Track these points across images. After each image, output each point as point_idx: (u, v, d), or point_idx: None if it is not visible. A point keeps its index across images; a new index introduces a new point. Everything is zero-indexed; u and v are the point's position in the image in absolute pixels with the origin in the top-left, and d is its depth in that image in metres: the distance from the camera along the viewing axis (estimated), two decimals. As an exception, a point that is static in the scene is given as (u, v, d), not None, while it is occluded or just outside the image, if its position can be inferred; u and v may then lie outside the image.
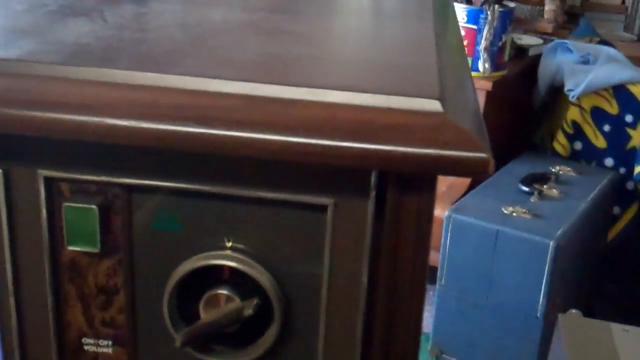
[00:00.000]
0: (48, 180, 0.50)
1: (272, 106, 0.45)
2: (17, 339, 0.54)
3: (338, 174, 0.48)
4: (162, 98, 0.46)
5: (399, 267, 0.49)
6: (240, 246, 0.51)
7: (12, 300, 0.53)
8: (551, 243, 1.64)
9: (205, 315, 0.51)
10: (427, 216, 0.47)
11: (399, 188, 0.47)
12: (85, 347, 0.54)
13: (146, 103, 0.46)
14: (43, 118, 0.46)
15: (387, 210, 0.48)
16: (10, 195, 0.50)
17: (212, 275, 0.51)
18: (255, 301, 0.51)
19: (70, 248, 0.51)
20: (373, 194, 0.48)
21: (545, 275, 1.66)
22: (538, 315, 1.68)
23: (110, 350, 0.54)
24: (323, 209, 0.49)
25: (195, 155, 0.48)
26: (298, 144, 0.45)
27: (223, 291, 0.51)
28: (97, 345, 0.54)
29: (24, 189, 0.50)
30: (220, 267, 0.51)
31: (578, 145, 2.17)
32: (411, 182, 0.47)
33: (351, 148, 0.44)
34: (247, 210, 0.50)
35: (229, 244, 0.51)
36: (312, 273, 0.51)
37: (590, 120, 2.15)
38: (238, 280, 0.51)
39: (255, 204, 0.50)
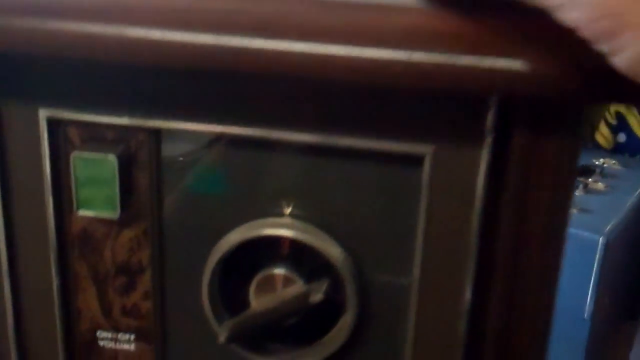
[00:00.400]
0: (52, 123, 0.43)
1: (361, 12, 0.35)
2: (14, 333, 0.48)
3: (439, 112, 0.38)
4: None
5: (524, 247, 0.39)
6: (303, 212, 0.43)
7: (6, 284, 0.47)
8: (600, 239, 1.62)
9: (257, 302, 0.45)
10: (570, 171, 0.36)
11: (531, 128, 0.36)
12: (101, 343, 0.48)
13: (181, 7, 0.36)
14: (42, 30, 0.36)
15: (512, 163, 0.37)
16: (2, 142, 0.44)
17: (267, 250, 0.44)
18: (324, 283, 0.43)
19: (82, 213, 0.45)
20: (489, 139, 0.38)
21: (593, 274, 1.65)
22: (585, 316, 1.67)
23: (132, 346, 0.48)
24: (418, 160, 0.39)
25: (247, 88, 0.39)
26: (396, 61, 0.33)
27: (280, 271, 0.44)
28: (116, 340, 0.48)
29: (20, 134, 0.43)
30: (277, 239, 0.44)
31: (622, 137, 2.19)
32: (548, 119, 0.35)
33: (469, 66, 0.33)
34: (312, 165, 0.42)
35: (288, 210, 0.44)
36: (400, 247, 0.42)
37: (634, 110, 2.13)
38: (300, 257, 0.44)
39: (323, 155, 0.41)
